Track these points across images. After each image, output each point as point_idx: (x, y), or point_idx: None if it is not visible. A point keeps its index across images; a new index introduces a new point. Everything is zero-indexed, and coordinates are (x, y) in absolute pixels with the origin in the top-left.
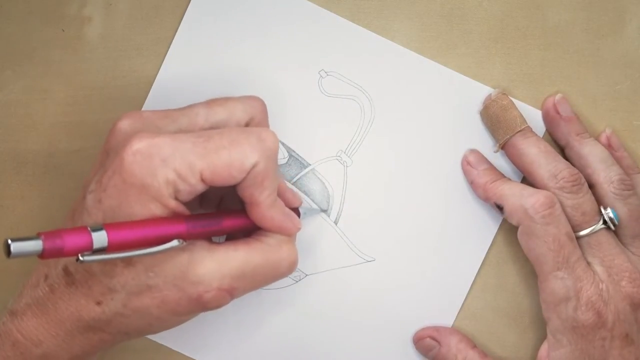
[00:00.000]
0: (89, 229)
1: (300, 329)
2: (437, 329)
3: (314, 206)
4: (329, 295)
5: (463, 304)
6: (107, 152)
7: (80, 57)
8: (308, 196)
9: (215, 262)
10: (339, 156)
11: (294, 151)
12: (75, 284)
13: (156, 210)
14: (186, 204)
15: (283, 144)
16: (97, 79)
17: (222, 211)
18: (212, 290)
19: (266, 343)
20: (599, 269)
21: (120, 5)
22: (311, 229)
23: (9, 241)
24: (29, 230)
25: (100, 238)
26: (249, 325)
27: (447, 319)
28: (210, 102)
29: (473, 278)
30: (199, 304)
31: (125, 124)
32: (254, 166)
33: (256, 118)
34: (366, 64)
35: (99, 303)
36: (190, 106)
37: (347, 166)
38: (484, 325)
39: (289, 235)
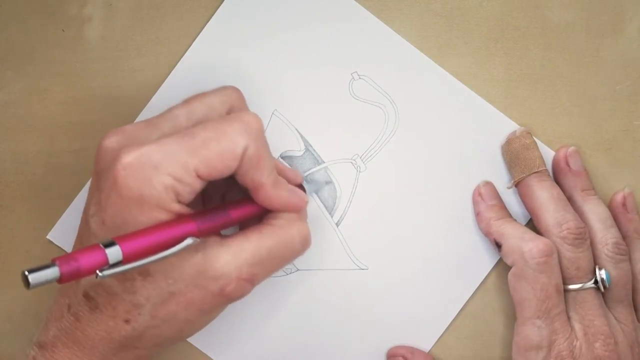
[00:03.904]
0: (101, 245)
1: (283, 321)
2: (412, 350)
3: (318, 199)
4: (315, 293)
5: (463, 304)
6: (98, 173)
7: (80, 57)
8: (316, 193)
9: (230, 254)
10: (354, 160)
11: (311, 145)
12: (99, 308)
13: (161, 216)
14: (189, 206)
15: (302, 136)
16: (97, 79)
17: (227, 203)
18: (233, 282)
19: (245, 330)
20: (577, 326)
21: (120, 5)
22: (312, 226)
23: (26, 272)
24: (28, 230)
25: (114, 252)
26: (230, 312)
27: (425, 345)
28: (188, 101)
29: (455, 314)
30: (223, 297)
31: (109, 142)
32: (245, 150)
33: (235, 106)
34: (400, 75)
35: (127, 321)
36: (169, 110)
37: (360, 171)
38: (484, 325)
39: (299, 210)
